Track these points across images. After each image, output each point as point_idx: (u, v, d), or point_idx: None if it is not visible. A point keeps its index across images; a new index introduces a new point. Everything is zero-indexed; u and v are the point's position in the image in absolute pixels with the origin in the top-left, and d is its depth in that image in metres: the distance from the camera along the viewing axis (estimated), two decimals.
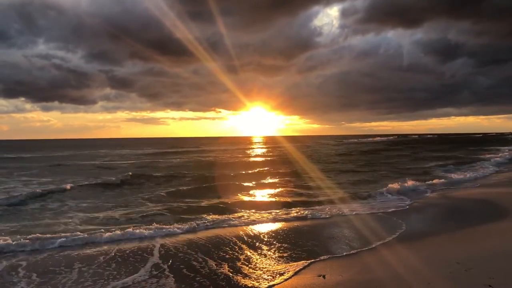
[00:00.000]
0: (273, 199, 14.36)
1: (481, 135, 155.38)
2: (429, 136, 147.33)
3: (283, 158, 35.57)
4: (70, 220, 10.64)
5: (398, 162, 30.47)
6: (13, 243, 7.98)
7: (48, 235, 8.46)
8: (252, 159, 37.68)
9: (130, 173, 20.63)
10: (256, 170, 24.54)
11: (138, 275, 6.30)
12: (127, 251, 7.62)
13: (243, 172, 23.34)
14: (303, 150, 52.25)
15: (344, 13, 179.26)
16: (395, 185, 15.50)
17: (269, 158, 36.63)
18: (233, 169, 25.10)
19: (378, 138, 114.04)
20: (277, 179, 20.41)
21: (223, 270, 6.51)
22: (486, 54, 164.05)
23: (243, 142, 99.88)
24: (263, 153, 48.21)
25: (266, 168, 26.19)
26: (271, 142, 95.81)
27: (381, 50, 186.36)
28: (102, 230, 9.09)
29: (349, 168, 26.11)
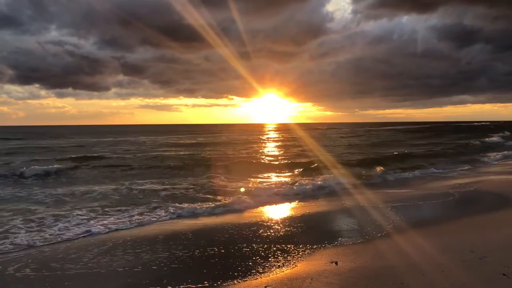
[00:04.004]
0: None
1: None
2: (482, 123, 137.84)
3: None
4: None
5: None
6: None
7: None
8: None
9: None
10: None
11: None
12: None
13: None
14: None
15: None
16: None
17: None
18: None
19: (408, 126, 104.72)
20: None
21: (233, 255, 6.61)
22: (503, 40, 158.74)
23: (270, 130, 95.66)
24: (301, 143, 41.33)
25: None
26: (294, 129, 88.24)
27: (395, 36, 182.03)
28: None
29: None
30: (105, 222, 8.91)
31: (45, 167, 17.99)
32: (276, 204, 11.11)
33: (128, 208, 10.40)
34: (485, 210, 9.74)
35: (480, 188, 12.73)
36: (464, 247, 6.54)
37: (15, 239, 7.61)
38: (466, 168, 19.18)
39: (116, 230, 8.39)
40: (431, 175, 17.22)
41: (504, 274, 5.18)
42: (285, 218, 9.45)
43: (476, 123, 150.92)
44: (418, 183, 14.91)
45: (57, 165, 18.85)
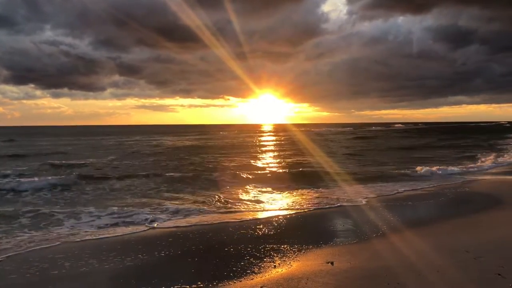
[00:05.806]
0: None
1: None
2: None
3: None
4: None
5: None
6: None
7: None
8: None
9: None
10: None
11: None
12: None
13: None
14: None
15: None
16: None
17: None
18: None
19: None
20: None
21: (228, 255, 6.59)
22: (498, 41, 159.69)
23: (267, 131, 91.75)
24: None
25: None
26: (293, 131, 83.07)
27: (390, 37, 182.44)
28: None
29: None
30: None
31: None
32: (272, 207, 11.10)
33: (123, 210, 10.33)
34: (479, 210, 9.78)
35: (474, 188, 12.80)
36: (459, 247, 6.56)
37: None
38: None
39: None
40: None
41: (499, 274, 5.19)
42: (280, 219, 9.43)
43: (482, 124, 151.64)
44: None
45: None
